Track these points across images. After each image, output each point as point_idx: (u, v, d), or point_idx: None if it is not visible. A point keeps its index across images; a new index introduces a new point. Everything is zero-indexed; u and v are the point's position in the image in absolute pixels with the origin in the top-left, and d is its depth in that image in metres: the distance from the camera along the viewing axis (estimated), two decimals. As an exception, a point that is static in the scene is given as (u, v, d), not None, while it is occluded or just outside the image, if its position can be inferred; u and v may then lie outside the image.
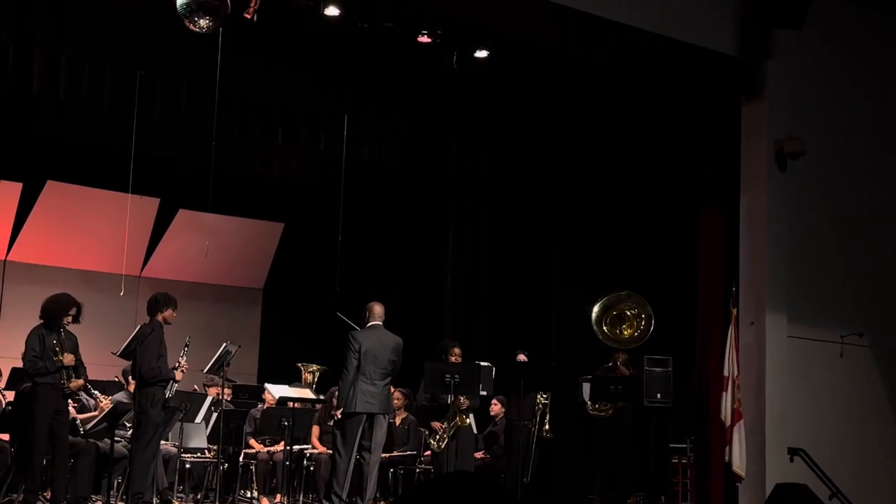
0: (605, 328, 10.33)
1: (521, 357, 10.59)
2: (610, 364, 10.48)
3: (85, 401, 9.57)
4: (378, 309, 9.42)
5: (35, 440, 8.51)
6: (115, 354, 8.77)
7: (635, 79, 10.59)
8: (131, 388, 9.29)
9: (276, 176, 13.00)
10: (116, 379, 10.26)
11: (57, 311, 8.74)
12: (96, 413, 9.33)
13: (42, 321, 8.74)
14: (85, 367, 8.91)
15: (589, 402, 10.34)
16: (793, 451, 9.72)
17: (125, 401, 9.39)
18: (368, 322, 9.35)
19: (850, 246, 10.87)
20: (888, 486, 10.58)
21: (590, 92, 11.27)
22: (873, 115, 11.18)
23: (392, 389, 10.79)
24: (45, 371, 8.54)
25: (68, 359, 8.63)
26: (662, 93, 10.79)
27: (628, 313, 10.48)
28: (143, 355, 8.54)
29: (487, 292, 13.62)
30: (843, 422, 10.51)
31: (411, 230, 13.94)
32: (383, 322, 9.41)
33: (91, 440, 9.18)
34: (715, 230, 10.79)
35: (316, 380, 11.66)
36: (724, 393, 10.05)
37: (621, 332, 10.46)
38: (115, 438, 9.10)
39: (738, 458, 9.88)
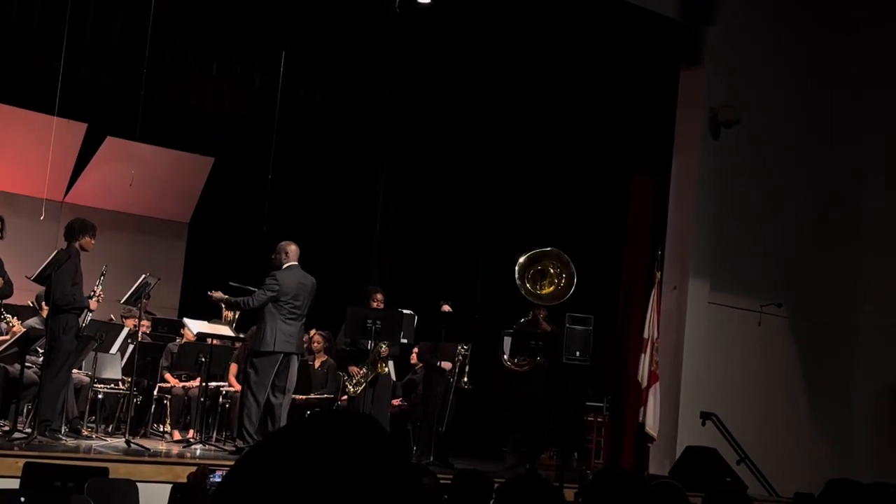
0: (526, 283, 10.34)
1: (446, 308, 10.57)
2: (530, 319, 10.50)
3: (-4, 324, 9.38)
4: (295, 248, 9.33)
5: None
6: (28, 279, 8.58)
7: (576, 41, 10.56)
8: (45, 313, 9.11)
9: (210, 110, 12.79)
10: (31, 304, 10.07)
11: None
12: (7, 337, 9.14)
13: None
14: (12, 286, 8.72)
15: (506, 357, 10.37)
16: (705, 416, 9.88)
17: (38, 326, 9.20)
18: (287, 262, 9.23)
19: (775, 218, 11.01)
20: (795, 453, 10.80)
21: (528, 50, 11.22)
22: (808, 87, 11.29)
23: (313, 332, 10.77)
24: None
25: None
26: (601, 55, 10.78)
27: (551, 270, 10.50)
28: (58, 281, 8.36)
29: (416, 241, 13.59)
30: (756, 389, 10.69)
31: (343, 174, 13.82)
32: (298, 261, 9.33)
33: (0, 364, 9.00)
34: (645, 194, 10.86)
35: (236, 318, 11.54)
36: (643, 355, 10.18)
37: (541, 287, 10.48)
38: (26, 364, 8.92)
39: (651, 419, 10.02)
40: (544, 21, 10.14)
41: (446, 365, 10.19)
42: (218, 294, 9.39)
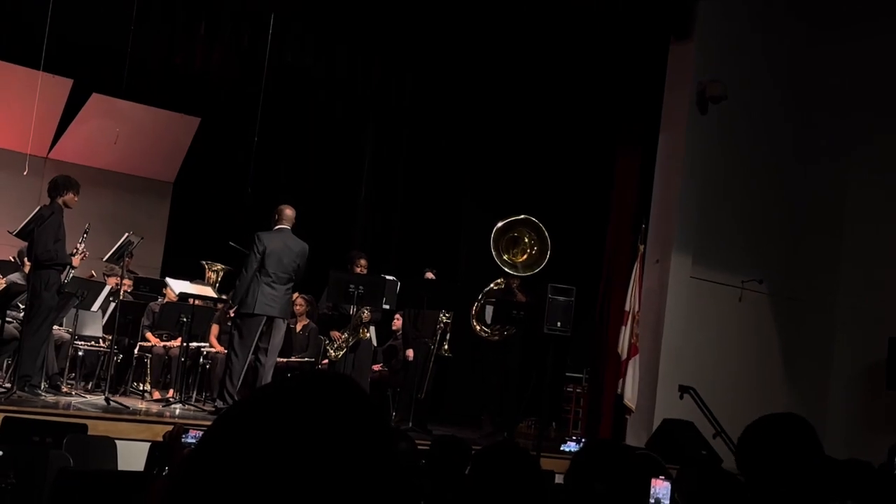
0: (501, 253, 10.35)
1: (430, 275, 10.59)
2: (503, 287, 10.51)
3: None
4: (289, 212, 9.29)
5: None
6: (11, 234, 8.55)
7: (567, 10, 10.52)
8: (27, 269, 9.09)
9: (197, 69, 12.69)
10: (12, 259, 10.04)
11: None
12: (-11, 292, 9.12)
13: None
14: None
15: (477, 325, 10.40)
16: (683, 389, 9.92)
17: (19, 282, 9.18)
18: (277, 224, 9.23)
19: (759, 195, 11.05)
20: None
21: (519, 18, 11.17)
22: (797, 66, 11.30)
23: (295, 296, 10.76)
24: None
25: None
26: (592, 26, 10.74)
27: (525, 239, 10.51)
28: (40, 237, 8.33)
29: (400, 207, 13.58)
30: (735, 364, 10.76)
31: (329, 139, 13.78)
32: (292, 227, 9.30)
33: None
34: (631, 166, 10.87)
35: (219, 279, 11.55)
36: (624, 327, 10.23)
37: (515, 255, 10.49)
38: (7, 319, 8.91)
39: (630, 391, 10.09)
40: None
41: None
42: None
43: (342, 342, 9.74)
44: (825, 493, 2.69)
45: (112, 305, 10.52)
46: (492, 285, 10.57)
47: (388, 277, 9.88)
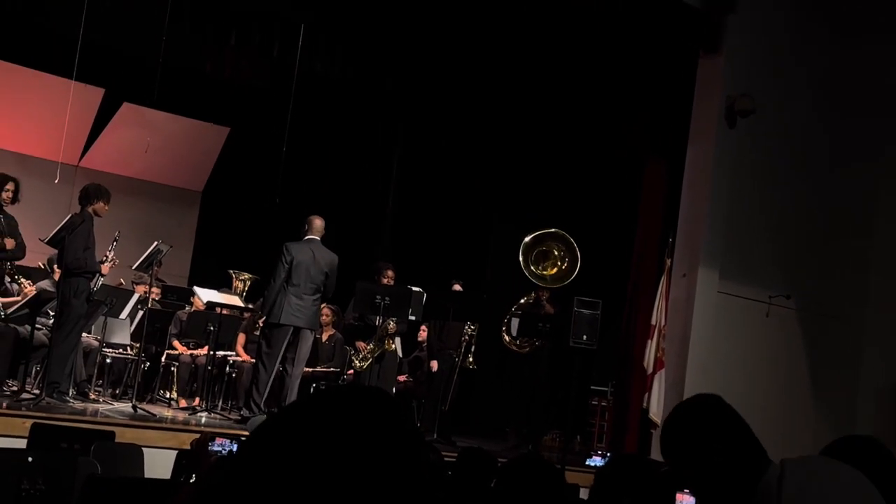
0: (530, 265, 10.35)
1: (457, 287, 10.60)
2: (532, 301, 10.50)
3: (8, 285, 9.42)
4: (318, 223, 9.33)
5: None
6: (42, 241, 8.63)
7: (596, 22, 10.51)
8: (56, 276, 9.17)
9: (227, 78, 12.77)
10: (41, 266, 10.12)
11: None
12: (19, 298, 9.20)
13: None
14: (25, 248, 8.79)
15: (507, 337, 10.39)
16: (709, 404, 9.87)
17: (49, 289, 9.25)
18: (307, 235, 9.27)
19: (787, 209, 10.98)
20: (797, 445, 10.80)
21: (547, 29, 11.17)
22: (825, 80, 11.24)
23: (322, 306, 10.80)
24: None
25: (9, 243, 8.50)
26: (621, 41, 10.72)
27: (555, 252, 10.51)
28: (71, 245, 8.41)
29: (428, 218, 13.61)
30: (762, 380, 10.69)
31: (358, 148, 13.83)
32: (322, 238, 9.34)
33: (11, 325, 9.05)
34: (658, 180, 10.85)
35: (247, 288, 11.60)
36: (650, 341, 10.19)
37: (545, 269, 10.49)
38: (37, 326, 8.98)
39: (655, 405, 10.04)
40: (564, 2, 10.11)
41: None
42: None
43: (368, 353, 9.76)
44: (758, 468, 2.69)
45: (140, 313, 10.59)
46: (522, 300, 10.56)
47: (414, 289, 9.89)
